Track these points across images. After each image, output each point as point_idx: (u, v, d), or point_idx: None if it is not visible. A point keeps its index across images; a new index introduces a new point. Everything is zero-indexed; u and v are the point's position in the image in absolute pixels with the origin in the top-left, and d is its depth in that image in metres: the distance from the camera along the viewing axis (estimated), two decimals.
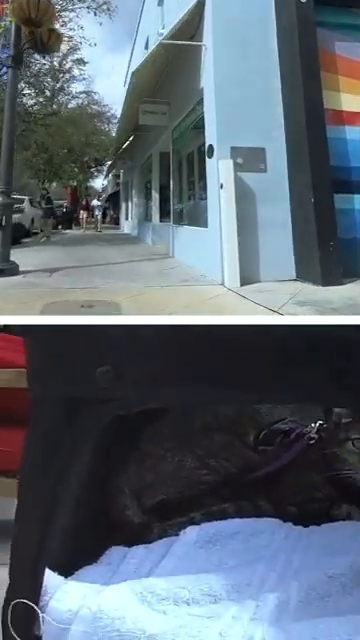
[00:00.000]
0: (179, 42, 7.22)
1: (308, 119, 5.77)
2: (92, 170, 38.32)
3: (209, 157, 6.32)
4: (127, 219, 23.10)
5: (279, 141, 6.20)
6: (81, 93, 31.74)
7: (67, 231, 21.68)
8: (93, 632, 1.26)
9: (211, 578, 1.36)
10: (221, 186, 5.99)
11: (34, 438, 1.36)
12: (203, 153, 7.43)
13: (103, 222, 36.84)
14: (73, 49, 29.37)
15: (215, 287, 5.85)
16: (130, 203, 21.38)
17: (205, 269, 6.64)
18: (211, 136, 6.44)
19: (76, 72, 31.16)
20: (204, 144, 7.06)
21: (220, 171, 5.99)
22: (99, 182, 45.84)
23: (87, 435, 1.39)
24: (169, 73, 9.07)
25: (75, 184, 34.26)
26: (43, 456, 1.35)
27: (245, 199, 6.07)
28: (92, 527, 1.50)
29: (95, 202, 21.17)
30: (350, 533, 1.48)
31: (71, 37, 21.93)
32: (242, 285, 5.76)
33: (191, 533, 1.52)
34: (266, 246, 6.15)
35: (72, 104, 32.49)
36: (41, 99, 31.77)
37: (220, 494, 1.58)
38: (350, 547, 1.42)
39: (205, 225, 7.03)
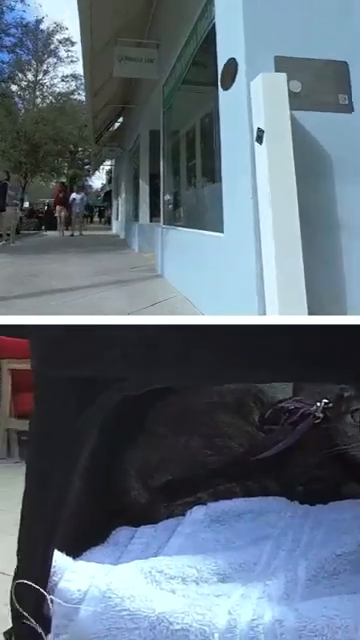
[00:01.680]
0: None
1: None
2: (88, 167, 37.12)
3: (259, 142, 2.92)
4: (117, 218, 21.47)
5: None
6: (67, 77, 30.72)
7: (48, 232, 20.00)
8: (103, 611, 1.29)
9: (219, 557, 1.43)
10: (258, 138, 2.84)
11: (40, 420, 1.41)
12: (207, 123, 6.09)
13: (100, 222, 36.02)
14: (59, 27, 26.73)
15: None
16: (120, 200, 19.46)
17: (214, 303, 4.07)
18: (232, 49, 3.29)
19: (63, 53, 30.29)
20: (210, 107, 5.29)
21: (254, 104, 2.92)
22: (99, 181, 44.70)
23: (94, 416, 1.44)
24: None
25: (65, 181, 31.53)
26: (50, 438, 1.39)
27: (309, 172, 2.96)
28: (99, 508, 1.56)
29: (75, 196, 17.64)
30: (357, 511, 1.52)
31: None
32: None
33: (198, 513, 1.57)
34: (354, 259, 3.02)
35: (59, 88, 31.50)
36: (23, 83, 27.71)
37: (226, 474, 1.63)
38: (356, 525, 1.47)
39: (216, 227, 4.18)
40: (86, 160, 34.53)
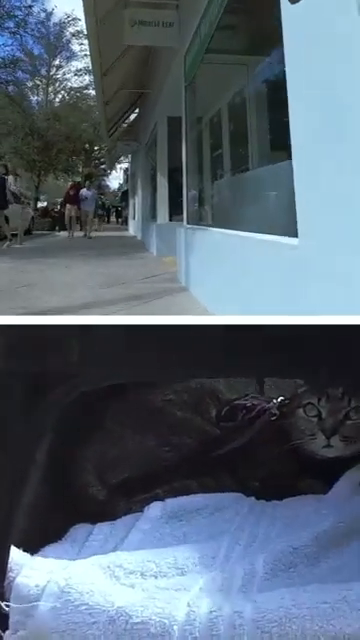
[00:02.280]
0: None
1: None
2: (104, 167, 36.67)
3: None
4: (134, 218, 20.17)
5: None
6: (80, 71, 29.85)
7: (61, 233, 18.86)
8: (62, 606, 1.32)
9: (177, 552, 1.48)
10: None
11: None
12: (240, 102, 5.64)
13: (117, 222, 35.15)
14: (72, 19, 25.68)
15: None
16: (136, 198, 18.31)
17: None
18: None
19: (76, 47, 29.48)
20: (242, 81, 5.18)
21: None
22: (116, 181, 44.12)
23: (51, 412, 1.49)
24: None
25: (80, 180, 29.41)
26: (4, 435, 1.41)
27: None
28: (57, 505, 1.61)
29: (85, 193, 15.67)
30: (312, 506, 1.59)
31: None
32: None
33: (155, 509, 1.63)
34: None
35: (72, 83, 30.71)
36: (36, 79, 29.53)
37: (183, 470, 1.68)
38: (312, 520, 1.54)
39: (274, 228, 3.00)
40: (102, 159, 34.06)
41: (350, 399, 1.61)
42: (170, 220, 9.46)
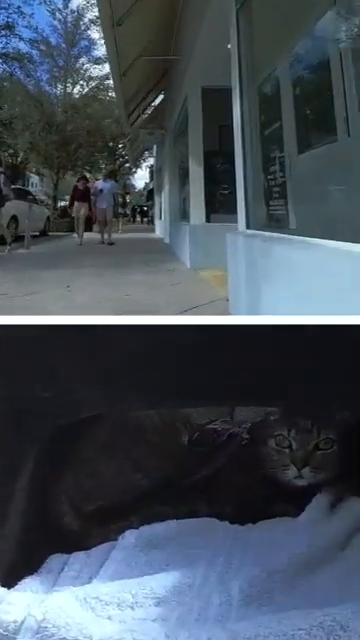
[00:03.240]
0: None
1: None
2: (129, 165, 34.87)
3: None
4: (160, 217, 18.66)
5: None
6: (100, 59, 27.86)
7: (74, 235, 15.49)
8: None
9: (153, 581, 1.51)
10: None
11: None
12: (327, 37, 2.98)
13: (141, 222, 33.90)
14: (91, 4, 23.87)
15: None
16: (163, 194, 16.60)
17: None
18: None
19: (95, 35, 27.89)
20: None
21: None
22: (142, 181, 41.48)
23: (27, 446, 1.55)
24: None
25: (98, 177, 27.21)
26: None
27: None
28: (32, 536, 1.66)
29: (101, 185, 12.61)
30: (286, 529, 1.64)
31: None
32: None
33: (130, 537, 1.67)
34: None
35: (93, 73, 29.40)
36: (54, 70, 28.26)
37: (157, 496, 1.73)
38: (286, 542, 1.58)
39: None
40: (127, 156, 32.41)
41: (319, 430, 1.68)
42: (207, 221, 7.74)
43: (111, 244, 11.91)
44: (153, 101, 15.65)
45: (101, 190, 12.36)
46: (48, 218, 17.22)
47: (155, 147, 21.52)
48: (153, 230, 21.89)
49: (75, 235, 13.24)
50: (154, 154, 22.75)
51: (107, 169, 31.58)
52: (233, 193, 5.74)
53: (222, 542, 1.62)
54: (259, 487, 1.70)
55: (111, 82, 24.98)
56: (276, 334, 1.37)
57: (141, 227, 27.32)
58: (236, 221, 4.58)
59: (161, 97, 15.13)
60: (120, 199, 20.71)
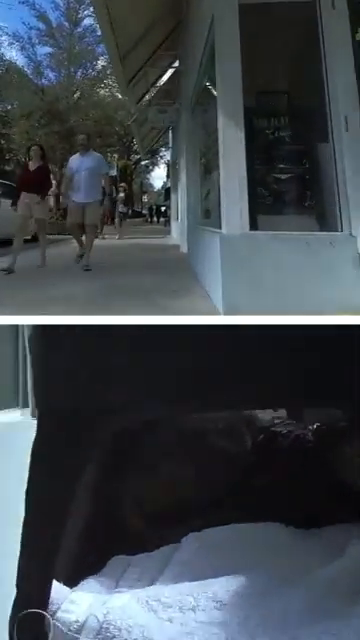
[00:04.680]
0: None
1: None
2: (145, 162, 33.92)
3: None
4: (177, 218, 15.60)
5: None
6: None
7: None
8: None
9: (215, 584, 1.56)
10: None
11: (40, 454, 1.55)
12: None
13: (151, 222, 32.26)
14: None
15: None
16: (179, 190, 13.57)
17: None
18: None
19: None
20: None
21: None
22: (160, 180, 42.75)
23: (91, 449, 1.61)
24: None
25: (115, 174, 27.19)
26: (49, 470, 1.54)
27: None
28: (96, 538, 1.74)
29: (79, 161, 7.34)
30: (351, 535, 1.67)
31: None
32: None
33: (193, 540, 1.72)
34: None
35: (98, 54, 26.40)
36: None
37: (220, 500, 1.78)
38: (351, 549, 1.60)
39: None
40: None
41: None
42: (253, 228, 4.54)
43: (87, 269, 7.24)
44: (163, 74, 13.42)
45: (76, 170, 7.33)
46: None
47: (170, 134, 19.52)
48: (169, 232, 19.72)
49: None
50: (170, 143, 20.61)
51: (119, 164, 29.05)
52: (300, 179, 4.62)
53: (286, 547, 1.67)
54: (326, 492, 1.73)
55: None
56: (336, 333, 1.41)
57: (156, 229, 25.51)
58: (311, 228, 4.08)
59: (170, 73, 12.95)
60: (121, 192, 17.59)
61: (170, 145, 20.59)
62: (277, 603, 1.46)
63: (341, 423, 1.71)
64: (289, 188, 4.89)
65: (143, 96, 12.31)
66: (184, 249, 10.58)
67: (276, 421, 1.79)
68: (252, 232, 4.47)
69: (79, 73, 27.12)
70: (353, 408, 1.51)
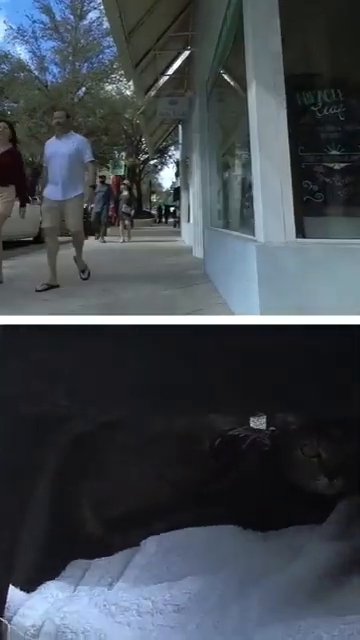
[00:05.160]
0: None
1: None
2: (154, 162, 32.70)
3: None
4: (188, 220, 14.80)
5: None
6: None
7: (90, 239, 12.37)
8: None
9: (173, 588, 1.58)
10: None
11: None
12: None
13: (159, 222, 31.51)
14: None
15: None
16: (192, 188, 12.34)
17: None
18: None
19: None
20: None
21: None
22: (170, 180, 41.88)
23: (47, 453, 1.64)
24: None
25: (123, 173, 26.43)
26: (4, 476, 1.54)
27: None
28: (54, 541, 1.75)
29: (55, 144, 5.80)
30: (308, 537, 1.70)
31: None
32: None
33: (151, 544, 1.74)
34: None
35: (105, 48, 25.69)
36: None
37: (179, 504, 1.80)
38: (308, 551, 1.64)
39: None
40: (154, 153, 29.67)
41: (349, 439, 1.77)
42: (300, 234, 3.45)
43: (85, 278, 6.33)
44: (173, 62, 12.25)
45: (54, 153, 5.84)
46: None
47: (180, 129, 18.65)
48: (179, 234, 18.86)
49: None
50: (180, 139, 19.64)
51: (127, 163, 28.16)
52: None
53: (243, 550, 1.69)
54: (282, 495, 1.76)
55: None
56: (302, 337, 1.40)
57: (165, 230, 24.55)
58: None
59: (181, 61, 11.95)
60: (124, 190, 16.21)
61: (180, 141, 19.78)
62: (235, 606, 1.50)
63: (295, 427, 1.76)
64: (346, 181, 3.70)
65: (152, 86, 11.42)
66: (197, 253, 9.63)
67: (233, 425, 1.82)
68: (301, 240, 3.50)
69: (85, 67, 26.22)
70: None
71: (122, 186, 16.26)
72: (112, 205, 14.91)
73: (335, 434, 1.73)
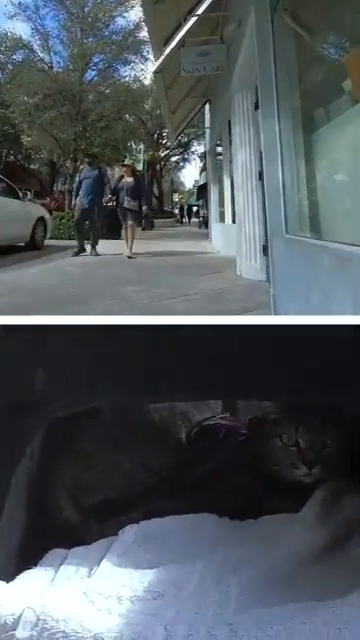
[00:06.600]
0: None
1: None
2: (175, 158, 29.74)
3: None
4: (222, 219, 12.28)
5: None
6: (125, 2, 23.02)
7: (87, 248, 9.76)
8: (38, 635, 1.49)
9: (152, 575, 1.66)
10: None
11: None
12: None
13: (182, 222, 30.14)
14: None
15: None
16: (227, 182, 10.36)
17: None
18: None
19: None
20: None
21: None
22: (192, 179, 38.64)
23: (24, 438, 1.65)
24: None
25: (142, 168, 23.53)
26: None
27: None
28: (32, 530, 1.82)
29: None
30: (286, 524, 1.79)
31: None
32: None
33: (129, 532, 1.81)
34: None
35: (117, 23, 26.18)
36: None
37: (157, 491, 1.87)
38: (286, 538, 1.73)
39: None
40: (173, 148, 26.92)
41: (327, 428, 1.88)
42: None
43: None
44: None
45: None
46: (43, 220, 11.66)
47: (207, 110, 15.86)
48: (207, 236, 16.62)
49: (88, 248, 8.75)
50: (206, 122, 16.97)
51: (145, 156, 25.45)
52: None
53: (222, 538, 1.79)
54: (260, 483, 1.86)
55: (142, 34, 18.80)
56: (278, 333, 1.45)
57: (190, 231, 23.18)
58: None
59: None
60: (126, 175, 10.22)
61: (207, 125, 17.36)
62: (214, 592, 1.59)
63: (273, 416, 1.83)
64: None
65: (174, 33, 8.26)
66: (244, 269, 6.99)
67: (211, 414, 1.90)
68: None
69: (94, 43, 22.35)
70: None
71: (123, 169, 10.55)
72: (108, 197, 10.00)
73: (313, 423, 1.84)
